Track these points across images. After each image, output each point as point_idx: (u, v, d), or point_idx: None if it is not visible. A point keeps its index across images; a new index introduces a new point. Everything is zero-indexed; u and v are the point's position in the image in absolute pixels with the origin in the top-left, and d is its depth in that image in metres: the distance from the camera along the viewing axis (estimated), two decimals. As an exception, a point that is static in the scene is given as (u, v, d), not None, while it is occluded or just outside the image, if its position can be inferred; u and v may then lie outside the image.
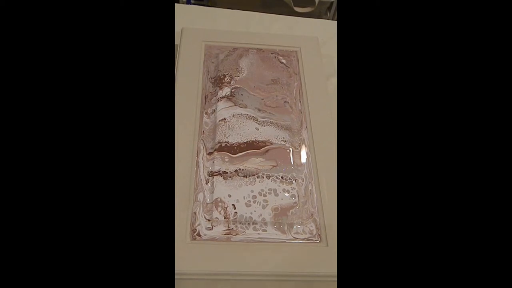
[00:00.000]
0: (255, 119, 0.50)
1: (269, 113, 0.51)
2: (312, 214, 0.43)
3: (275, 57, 0.59)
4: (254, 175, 0.45)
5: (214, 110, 0.51)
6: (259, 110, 0.51)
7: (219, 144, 0.47)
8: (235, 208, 0.42)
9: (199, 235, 0.41)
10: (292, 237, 0.42)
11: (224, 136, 0.48)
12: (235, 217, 0.42)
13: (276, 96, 0.54)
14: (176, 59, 0.55)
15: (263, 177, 0.45)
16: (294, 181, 0.45)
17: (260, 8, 1.17)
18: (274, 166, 0.46)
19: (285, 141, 0.49)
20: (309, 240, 0.42)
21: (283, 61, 0.58)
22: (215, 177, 0.44)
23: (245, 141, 0.48)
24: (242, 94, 0.53)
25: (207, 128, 0.49)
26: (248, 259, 0.39)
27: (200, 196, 0.43)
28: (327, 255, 0.41)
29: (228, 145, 0.47)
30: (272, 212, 0.43)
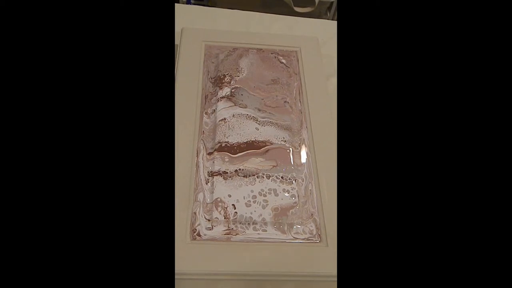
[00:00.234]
0: (255, 119, 0.50)
1: (269, 113, 0.51)
2: (312, 214, 0.43)
3: (275, 57, 0.59)
4: (254, 175, 0.45)
5: (214, 110, 0.51)
6: (259, 110, 0.51)
7: (219, 144, 0.47)
8: (235, 208, 0.42)
9: (199, 235, 0.41)
10: (292, 237, 0.42)
11: (224, 136, 0.48)
12: (235, 217, 0.42)
13: (276, 96, 0.54)
14: (176, 59, 0.55)
15: (263, 177, 0.45)
16: (294, 181, 0.45)
17: (260, 8, 1.17)
18: (274, 166, 0.46)
19: (285, 141, 0.49)
20: (309, 240, 0.42)
21: (283, 61, 0.58)
22: (215, 177, 0.44)
23: (245, 141, 0.48)
24: (242, 94, 0.53)
25: (207, 128, 0.49)
26: (248, 259, 0.39)
27: (200, 196, 0.43)
28: (327, 255, 0.41)
29: (228, 145, 0.47)
30: (272, 212, 0.43)
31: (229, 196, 0.43)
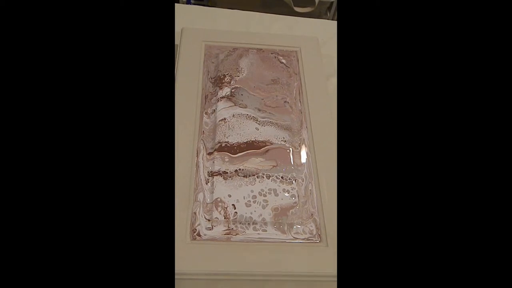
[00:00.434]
0: (255, 119, 0.50)
1: (269, 113, 0.51)
2: (312, 214, 0.43)
3: (275, 57, 0.59)
4: (254, 175, 0.45)
5: (214, 110, 0.51)
6: (259, 110, 0.51)
7: (219, 144, 0.47)
8: (235, 208, 0.42)
9: (199, 235, 0.41)
10: (292, 237, 0.42)
11: (224, 136, 0.48)
12: (235, 217, 0.42)
13: (276, 96, 0.54)
14: (176, 59, 0.55)
15: (263, 177, 0.45)
16: (294, 181, 0.45)
17: (260, 8, 1.17)
18: (274, 166, 0.46)
19: (285, 141, 0.49)
20: (309, 240, 0.42)
21: (283, 61, 0.58)
22: (215, 177, 0.44)
23: (245, 141, 0.48)
24: (242, 94, 0.53)
25: (207, 128, 0.49)
26: (248, 259, 0.39)
27: (200, 196, 0.43)
28: (327, 255, 0.41)
29: (228, 145, 0.47)
30: (272, 212, 0.43)
31: (229, 196, 0.43)
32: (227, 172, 0.45)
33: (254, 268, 0.39)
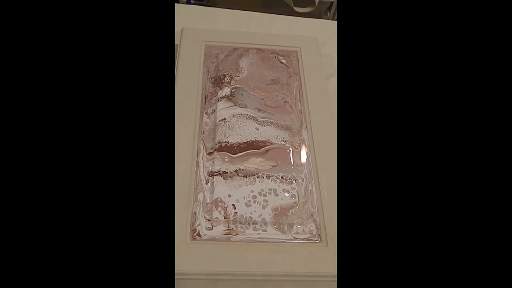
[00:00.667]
0: (255, 119, 0.50)
1: (269, 113, 0.51)
2: (312, 214, 0.43)
3: (275, 57, 0.59)
4: (254, 175, 0.45)
5: (214, 110, 0.51)
6: (259, 110, 0.51)
7: (219, 144, 0.47)
8: (235, 208, 0.42)
9: (199, 235, 0.41)
10: (292, 237, 0.42)
11: (224, 136, 0.48)
12: (235, 217, 0.42)
13: (276, 96, 0.54)
14: (176, 59, 0.55)
15: (263, 177, 0.45)
16: (294, 181, 0.45)
17: (260, 8, 1.17)
18: (274, 166, 0.46)
19: (285, 141, 0.49)
20: (309, 240, 0.42)
21: (283, 61, 0.58)
22: (215, 177, 0.44)
23: (245, 141, 0.48)
24: (242, 94, 0.53)
25: (207, 128, 0.49)
26: (248, 259, 0.39)
27: (200, 196, 0.43)
28: (327, 255, 0.41)
29: (228, 145, 0.47)
30: (272, 212, 0.43)
31: (229, 196, 0.43)
32: (227, 172, 0.45)
33: (254, 268, 0.39)
